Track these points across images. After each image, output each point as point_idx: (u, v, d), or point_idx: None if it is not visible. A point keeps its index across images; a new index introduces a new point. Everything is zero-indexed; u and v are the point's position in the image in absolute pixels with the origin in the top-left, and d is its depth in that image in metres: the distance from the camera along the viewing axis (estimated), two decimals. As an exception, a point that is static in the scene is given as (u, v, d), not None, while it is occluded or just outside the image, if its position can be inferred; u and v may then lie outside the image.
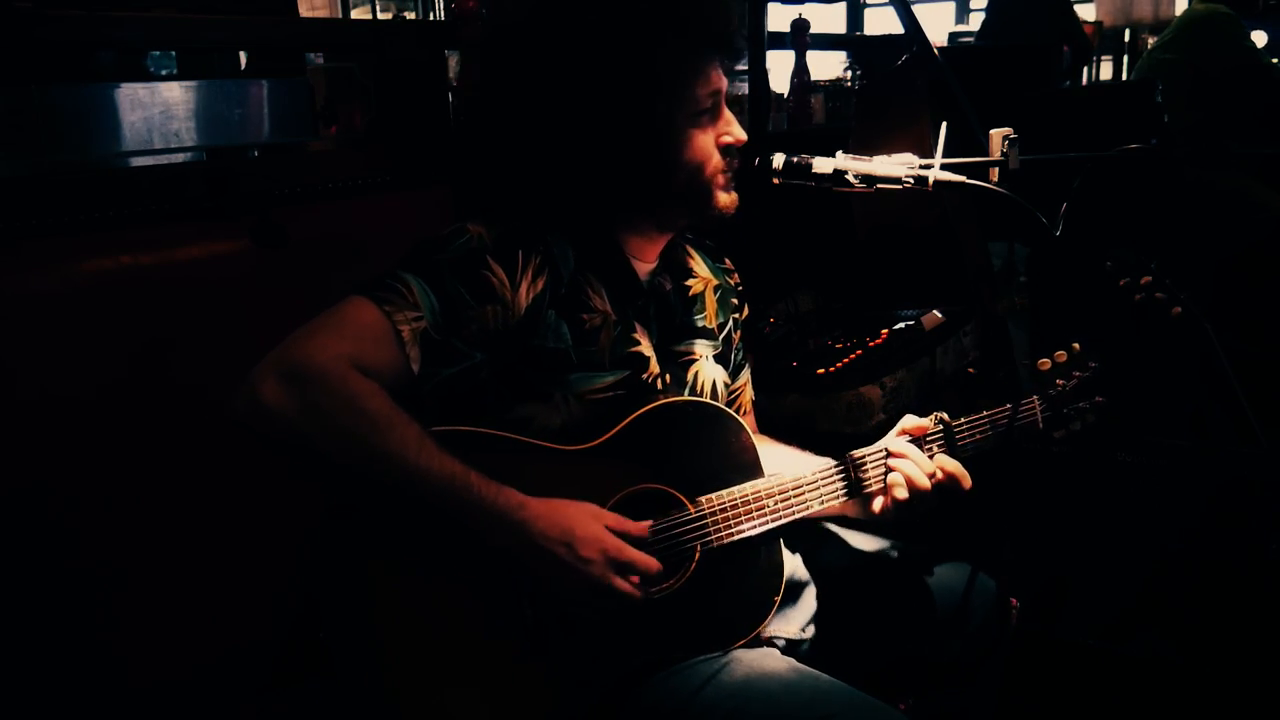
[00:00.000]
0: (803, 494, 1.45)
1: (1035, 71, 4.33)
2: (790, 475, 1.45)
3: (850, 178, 1.50)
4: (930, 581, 1.60)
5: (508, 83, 1.45)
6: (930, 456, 1.47)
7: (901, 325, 2.39)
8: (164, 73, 3.06)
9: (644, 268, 1.52)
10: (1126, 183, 2.84)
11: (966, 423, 1.52)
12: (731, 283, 1.69)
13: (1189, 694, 2.08)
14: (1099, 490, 2.26)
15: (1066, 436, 1.56)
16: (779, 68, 3.33)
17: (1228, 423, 2.04)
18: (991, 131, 1.49)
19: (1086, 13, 7.30)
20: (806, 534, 1.65)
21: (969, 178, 1.45)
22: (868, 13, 8.98)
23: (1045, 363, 1.57)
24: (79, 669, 1.47)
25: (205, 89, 2.11)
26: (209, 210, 1.70)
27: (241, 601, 1.59)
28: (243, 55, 3.31)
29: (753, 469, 1.45)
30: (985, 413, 1.53)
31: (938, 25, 8.17)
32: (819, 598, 1.57)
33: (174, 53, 3.07)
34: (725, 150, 1.45)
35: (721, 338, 1.62)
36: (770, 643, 1.48)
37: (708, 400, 1.52)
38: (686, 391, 1.53)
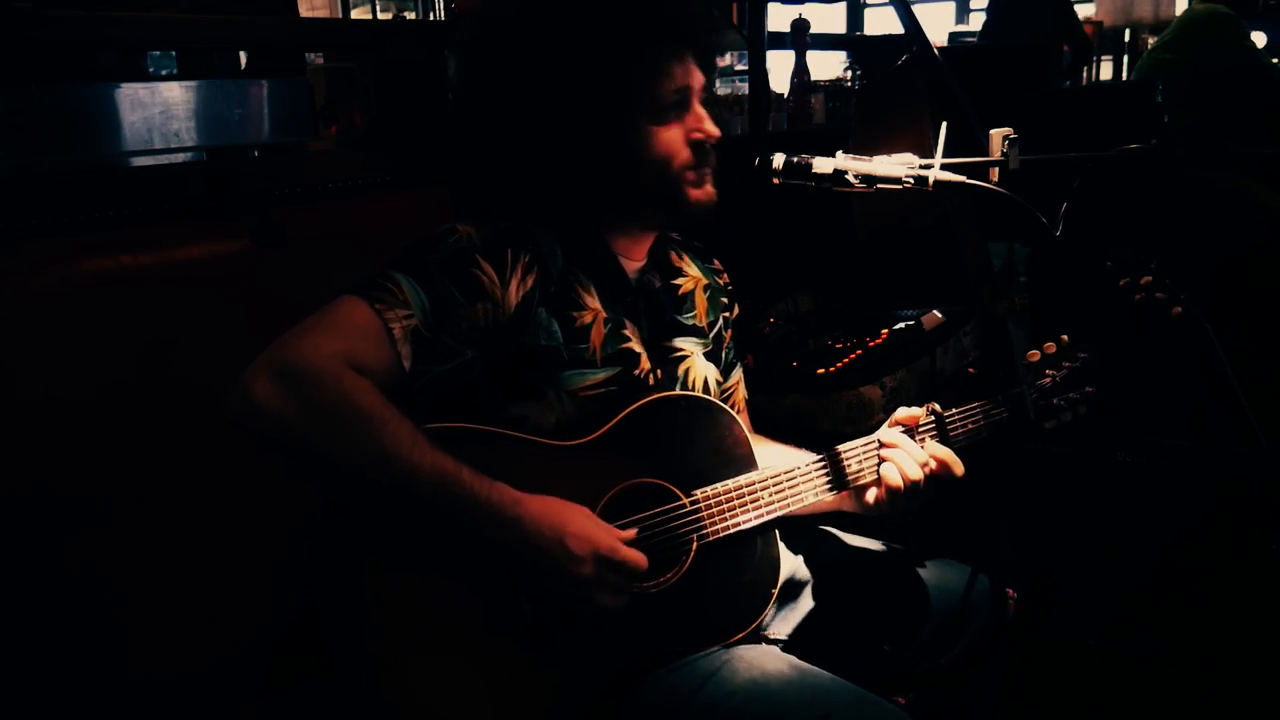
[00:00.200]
0: (796, 485, 1.45)
1: (1035, 71, 4.34)
2: (784, 467, 1.45)
3: (850, 178, 1.50)
4: (930, 581, 1.60)
5: (478, 86, 1.49)
6: (922, 446, 1.48)
7: (901, 325, 2.39)
8: (164, 73, 3.07)
9: (632, 266, 1.53)
10: (1126, 183, 2.84)
11: (958, 413, 1.53)
12: (721, 282, 1.70)
13: (1189, 694, 2.08)
14: (1099, 490, 2.27)
15: (1058, 427, 1.56)
16: (779, 68, 3.34)
17: (1228, 423, 2.04)
18: (991, 131, 1.49)
19: (1086, 13, 7.30)
20: (806, 534, 1.65)
21: (969, 178, 1.45)
22: (868, 13, 8.99)
23: (1034, 354, 1.57)
24: (80, 667, 1.47)
25: (205, 89, 2.11)
26: (209, 210, 1.70)
27: (241, 601, 1.59)
28: (243, 55, 3.31)
29: (746, 462, 1.45)
30: (976, 403, 1.53)
31: (938, 25, 8.17)
32: (819, 595, 1.57)
33: (174, 53, 3.07)
34: (696, 146, 1.44)
35: (712, 336, 1.63)
36: (770, 642, 1.49)
37: (700, 394, 1.52)
38: (678, 387, 1.54)
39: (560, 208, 1.45)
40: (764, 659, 1.36)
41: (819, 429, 2.13)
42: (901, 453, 1.46)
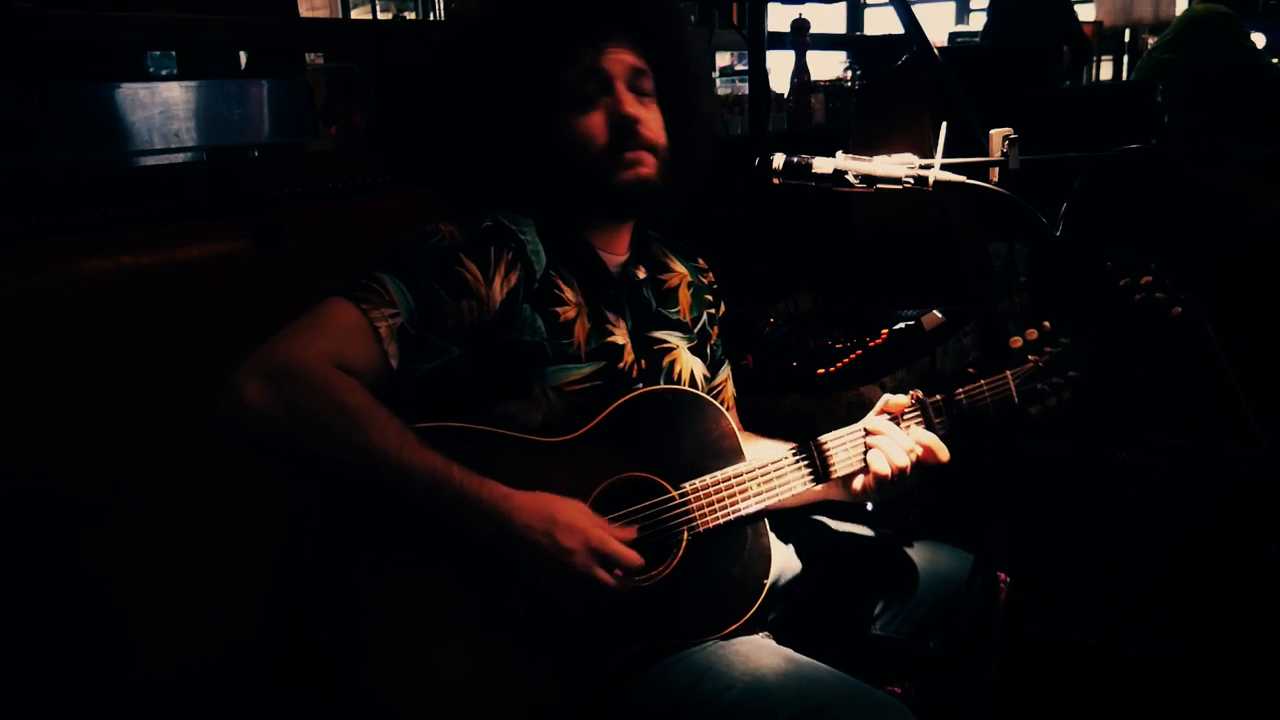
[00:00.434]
0: (784, 474, 1.46)
1: (1035, 71, 4.33)
2: (771, 457, 1.46)
3: (850, 178, 1.50)
4: (922, 564, 1.61)
5: (427, 98, 1.56)
6: (907, 433, 1.48)
7: (901, 325, 2.39)
8: (164, 73, 3.07)
9: (614, 260, 1.55)
10: (1126, 183, 2.84)
11: (942, 399, 1.53)
12: (705, 281, 1.71)
13: (1189, 694, 2.08)
14: (1099, 490, 2.27)
15: (1042, 412, 1.57)
16: (779, 68, 3.34)
17: (1228, 422, 2.04)
18: (991, 131, 1.50)
19: (1086, 13, 7.31)
20: (796, 524, 1.66)
21: (969, 178, 1.45)
22: (868, 13, 8.99)
23: (1016, 340, 1.58)
24: (80, 665, 1.47)
25: (205, 89, 2.11)
26: (209, 210, 1.71)
27: (239, 601, 1.59)
28: (242, 55, 3.31)
29: (734, 454, 1.46)
30: (960, 389, 1.54)
31: (938, 25, 8.18)
32: (811, 584, 1.58)
33: (174, 53, 3.07)
34: (615, 128, 1.44)
35: (696, 331, 1.64)
36: (767, 630, 1.49)
37: (687, 388, 1.53)
38: (663, 379, 1.55)
39: (517, 203, 1.47)
40: (759, 652, 1.36)
41: (819, 429, 2.14)
42: (888, 440, 1.47)
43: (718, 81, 4.63)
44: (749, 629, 1.46)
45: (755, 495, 1.44)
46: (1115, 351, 1.59)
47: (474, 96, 1.47)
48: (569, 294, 1.46)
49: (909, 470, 1.45)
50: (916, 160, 1.49)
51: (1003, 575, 1.61)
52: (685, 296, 1.65)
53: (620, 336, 1.50)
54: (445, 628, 1.30)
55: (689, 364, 1.60)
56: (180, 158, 2.10)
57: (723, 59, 5.32)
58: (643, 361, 1.52)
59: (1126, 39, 7.33)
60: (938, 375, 2.35)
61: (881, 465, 1.45)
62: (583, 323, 1.46)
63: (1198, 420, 2.33)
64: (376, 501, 1.28)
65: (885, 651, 1.59)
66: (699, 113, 1.57)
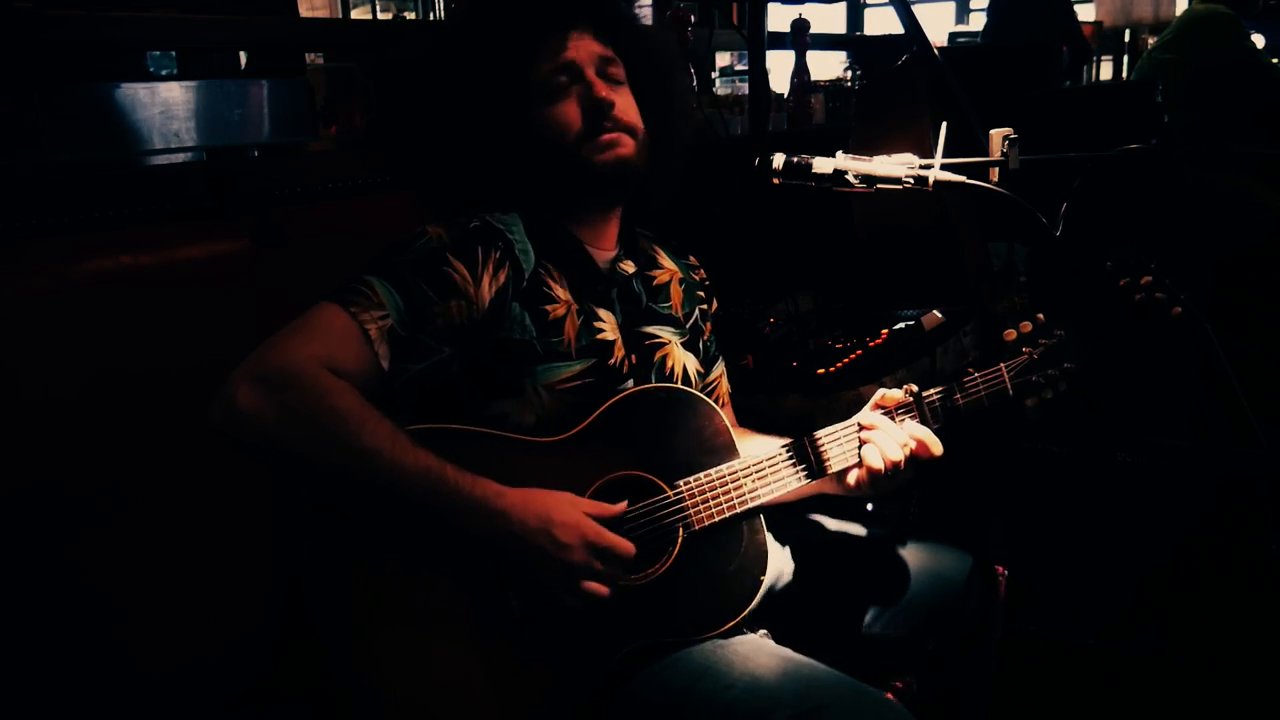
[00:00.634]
0: (779, 470, 1.46)
1: (1035, 71, 4.34)
2: (765, 454, 1.46)
3: (850, 178, 1.50)
4: (920, 563, 1.61)
5: (405, 102, 1.58)
6: (901, 427, 1.48)
7: (901, 325, 2.39)
8: (164, 73, 3.07)
9: (603, 255, 1.55)
10: (1126, 183, 2.84)
11: (937, 393, 1.53)
12: (697, 278, 1.72)
13: (1189, 694, 2.09)
14: (1099, 490, 2.27)
15: (1039, 405, 1.56)
16: (779, 68, 3.34)
17: (1228, 423, 2.04)
18: (991, 131, 1.50)
19: (1086, 13, 7.31)
20: (794, 524, 1.66)
21: (969, 178, 1.45)
22: (868, 13, 8.99)
23: (1010, 333, 1.58)
24: (81, 663, 1.47)
25: (205, 89, 2.11)
26: (209, 210, 1.71)
27: (238, 601, 1.59)
28: (242, 55, 3.31)
29: (728, 452, 1.46)
30: (954, 383, 1.54)
31: (938, 25, 8.18)
32: (810, 583, 1.59)
33: (174, 53, 3.07)
34: (588, 111, 1.46)
35: (689, 326, 1.64)
36: (765, 626, 1.49)
37: (680, 386, 1.53)
38: (655, 375, 1.55)
39: (504, 203, 1.49)
40: (758, 653, 1.37)
41: (819, 429, 2.14)
42: (881, 434, 1.47)
43: (718, 81, 4.63)
44: (747, 626, 1.46)
45: (750, 491, 1.44)
46: (1115, 351, 1.59)
47: (453, 97, 1.48)
48: (558, 291, 1.46)
49: (903, 464, 1.45)
50: (916, 160, 1.49)
51: (1000, 569, 1.60)
52: (677, 292, 1.65)
53: (610, 332, 1.50)
54: (442, 628, 1.30)
55: (681, 359, 1.60)
56: (180, 158, 2.10)
57: (723, 59, 5.32)
58: (633, 357, 1.52)
59: (1126, 39, 7.33)
60: (938, 375, 2.35)
61: (875, 460, 1.45)
62: (572, 320, 1.46)
63: (1198, 420, 2.33)
64: (371, 503, 1.28)
65: (884, 652, 1.59)
66: (674, 100, 1.59)
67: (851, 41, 4.93)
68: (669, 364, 1.57)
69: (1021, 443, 2.24)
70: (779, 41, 3.23)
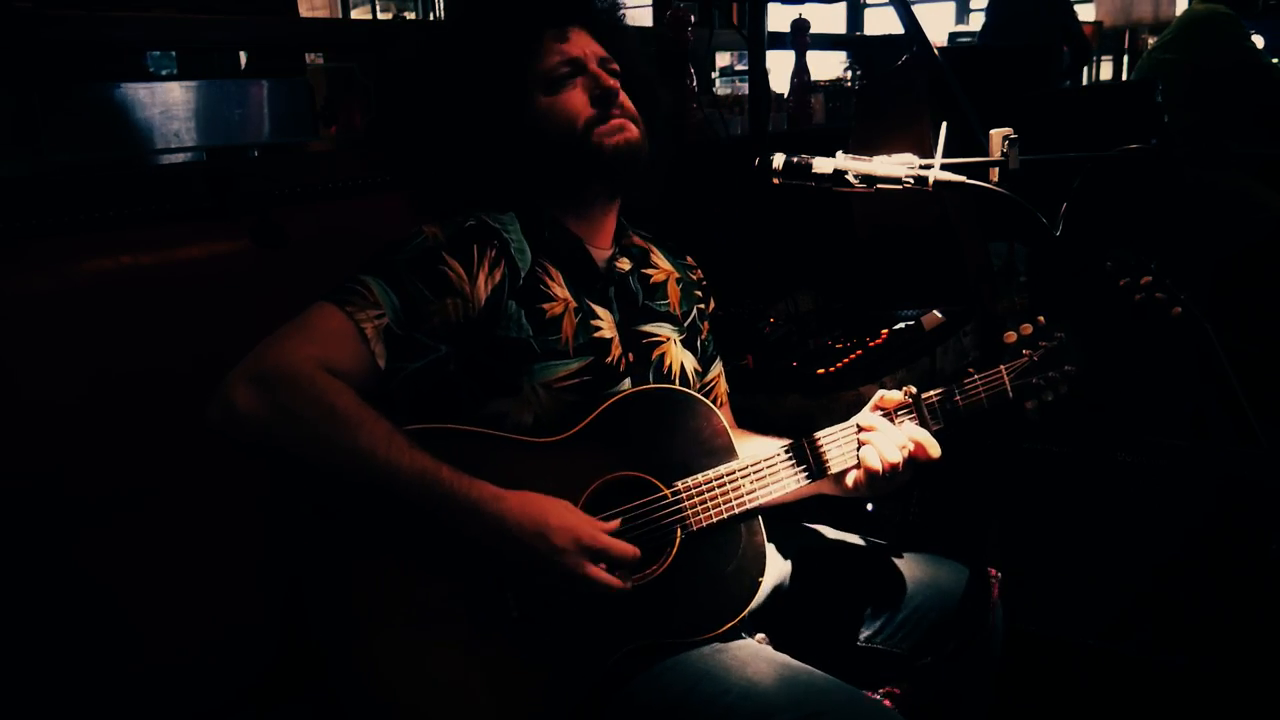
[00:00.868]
0: (777, 471, 1.46)
1: (1035, 71, 4.33)
2: (763, 455, 1.46)
3: (850, 178, 1.50)
4: (923, 581, 1.61)
5: (405, 101, 1.59)
6: (900, 429, 1.48)
7: (901, 325, 2.39)
8: (164, 73, 3.07)
9: (600, 254, 1.56)
10: (1126, 183, 2.84)
11: (936, 395, 1.53)
12: (694, 277, 1.72)
13: (1189, 694, 2.09)
14: (1099, 490, 2.27)
15: (1039, 407, 1.56)
16: (779, 68, 3.34)
17: (1228, 423, 2.04)
18: (991, 131, 1.50)
19: (1086, 13, 7.31)
20: (797, 535, 1.65)
21: (969, 178, 1.45)
22: (868, 13, 8.99)
23: (1011, 335, 1.58)
24: (83, 662, 1.47)
25: (205, 89, 2.11)
26: (209, 210, 1.70)
27: (239, 601, 1.59)
28: (243, 55, 3.31)
29: (726, 453, 1.46)
30: (954, 385, 1.53)
31: (938, 25, 8.18)
32: (809, 591, 1.58)
33: (174, 52, 3.07)
34: (596, 100, 1.48)
35: (686, 324, 1.64)
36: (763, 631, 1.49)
37: (678, 387, 1.53)
38: (653, 373, 1.55)
39: (502, 201, 1.49)
40: (756, 658, 1.36)
41: (819, 429, 2.15)
42: (881, 436, 1.47)
43: (718, 81, 4.63)
44: (746, 631, 1.46)
45: (749, 493, 1.44)
46: (1115, 351, 1.59)
47: (454, 93, 1.49)
48: (556, 289, 1.46)
49: (901, 466, 1.45)
50: (916, 160, 1.49)
51: (993, 571, 1.60)
52: (674, 290, 1.65)
53: (608, 330, 1.50)
54: (440, 628, 1.30)
55: (679, 357, 1.60)
56: (180, 158, 2.10)
57: (723, 59, 5.32)
58: (630, 355, 1.52)
59: (1126, 39, 7.33)
60: (938, 375, 2.35)
61: (874, 461, 1.45)
62: (570, 318, 1.46)
63: (1198, 420, 2.33)
64: (368, 503, 1.28)
65: (884, 665, 1.59)
66: (659, 104, 1.61)
67: (851, 41, 4.93)
68: (667, 362, 1.57)
69: (1021, 443, 2.24)
70: (779, 41, 3.23)
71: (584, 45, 1.51)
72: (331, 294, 1.34)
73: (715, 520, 1.42)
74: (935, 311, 2.41)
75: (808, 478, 1.48)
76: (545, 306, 1.44)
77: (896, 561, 1.63)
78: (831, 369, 2.22)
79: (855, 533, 1.71)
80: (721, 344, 1.75)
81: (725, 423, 1.48)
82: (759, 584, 1.43)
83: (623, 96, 1.50)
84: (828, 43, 4.10)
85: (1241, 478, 2.13)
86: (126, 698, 1.50)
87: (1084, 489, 2.28)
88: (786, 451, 1.48)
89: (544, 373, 1.41)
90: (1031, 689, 2.11)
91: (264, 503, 1.40)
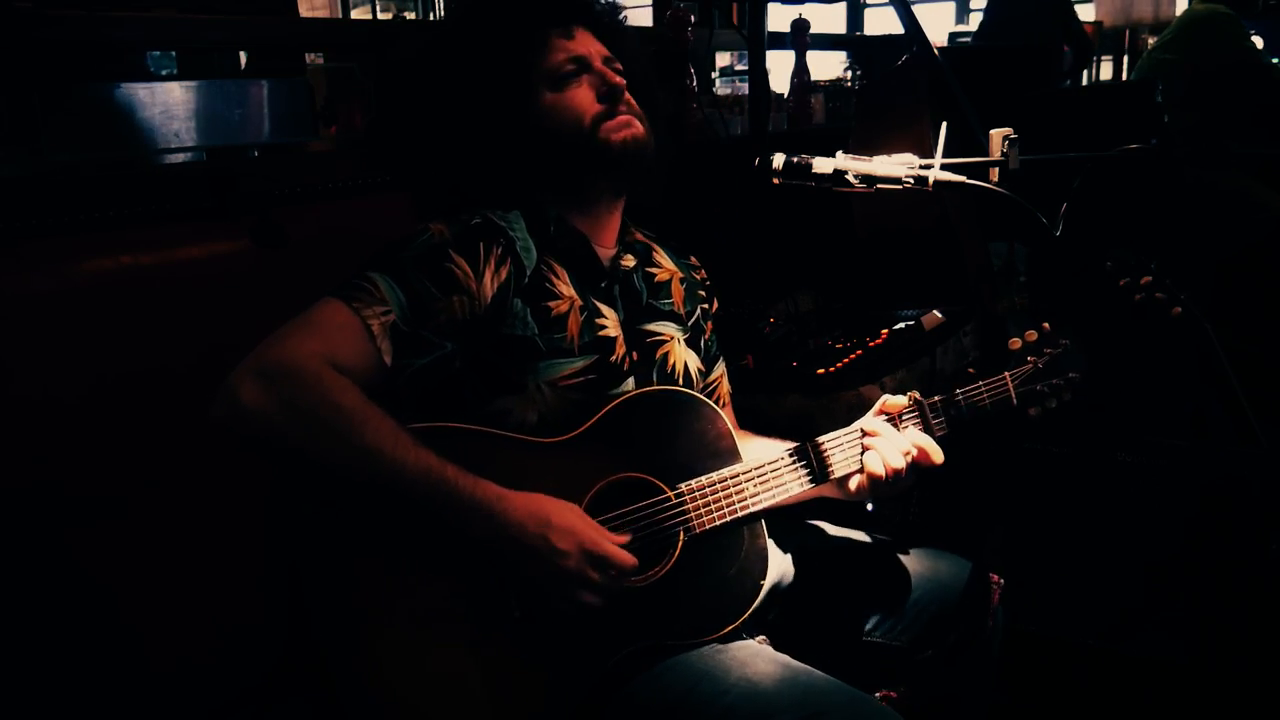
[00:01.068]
0: (780, 475, 1.46)
1: (1035, 71, 4.34)
2: (767, 458, 1.46)
3: (850, 178, 1.50)
4: (920, 570, 1.61)
5: (407, 100, 1.59)
6: (904, 433, 1.49)
7: (901, 325, 2.39)
8: (164, 73, 3.07)
9: (605, 252, 1.56)
10: (1126, 183, 2.84)
11: (940, 401, 1.53)
12: (698, 277, 1.73)
13: (1189, 694, 2.09)
14: (1099, 490, 2.27)
15: (1042, 413, 1.57)
16: (779, 68, 3.34)
17: (1228, 423, 2.04)
18: (991, 131, 1.50)
19: (1086, 13, 7.30)
20: (794, 530, 1.66)
21: (969, 178, 1.45)
22: (868, 13, 8.99)
23: (1016, 342, 1.58)
24: (85, 662, 1.47)
25: (205, 89, 2.11)
26: (209, 210, 1.70)
27: (241, 600, 1.59)
28: (243, 55, 3.31)
29: (730, 455, 1.46)
30: (958, 390, 1.54)
31: (938, 25, 8.18)
32: (809, 590, 1.58)
33: (174, 52, 3.07)
34: (603, 96, 1.49)
35: (690, 324, 1.65)
36: (763, 633, 1.49)
37: (683, 389, 1.53)
38: (657, 372, 1.55)
39: (507, 200, 1.49)
40: (756, 658, 1.36)
41: (819, 429, 2.15)
42: (884, 441, 1.47)
43: (718, 81, 4.63)
44: (747, 631, 1.46)
45: (752, 496, 1.44)
46: (1115, 351, 1.59)
47: (458, 91, 1.50)
48: (561, 287, 1.47)
49: (904, 472, 1.46)
50: (916, 160, 1.49)
51: (995, 577, 1.60)
52: (678, 290, 1.65)
53: (613, 329, 1.51)
54: (441, 627, 1.30)
55: (683, 356, 1.60)
56: (180, 158, 2.10)
57: (723, 59, 5.32)
58: (634, 354, 1.53)
59: (1126, 39, 7.33)
60: (938, 375, 2.36)
61: (877, 467, 1.46)
62: (575, 316, 1.46)
63: (1198, 420, 2.33)
64: (371, 501, 1.28)
65: (885, 659, 1.59)
66: (659, 106, 1.62)
67: (851, 41, 4.93)
68: (670, 361, 1.57)
69: (1021, 443, 2.24)
70: (779, 41, 3.23)
71: (589, 44, 1.52)
72: (338, 290, 1.33)
73: (718, 523, 1.42)
74: (935, 311, 2.41)
75: (811, 482, 1.48)
76: (551, 304, 1.44)
77: (896, 556, 1.63)
78: (831, 369, 2.23)
79: (854, 529, 1.71)
80: (722, 344, 1.75)
81: (730, 425, 1.48)
82: (761, 587, 1.43)
83: (628, 94, 1.51)
84: (828, 43, 4.10)
85: (1241, 478, 2.13)
86: (128, 698, 1.50)
87: (1084, 489, 2.28)
88: (790, 455, 1.48)
89: (549, 371, 1.42)
90: (1031, 689, 2.11)
91: (264, 502, 1.40)
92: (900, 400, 1.52)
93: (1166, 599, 2.22)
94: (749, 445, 1.53)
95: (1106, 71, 7.53)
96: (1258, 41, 4.63)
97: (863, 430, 1.50)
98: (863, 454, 1.49)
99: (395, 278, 1.34)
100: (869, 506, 1.94)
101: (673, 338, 1.59)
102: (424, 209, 1.53)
